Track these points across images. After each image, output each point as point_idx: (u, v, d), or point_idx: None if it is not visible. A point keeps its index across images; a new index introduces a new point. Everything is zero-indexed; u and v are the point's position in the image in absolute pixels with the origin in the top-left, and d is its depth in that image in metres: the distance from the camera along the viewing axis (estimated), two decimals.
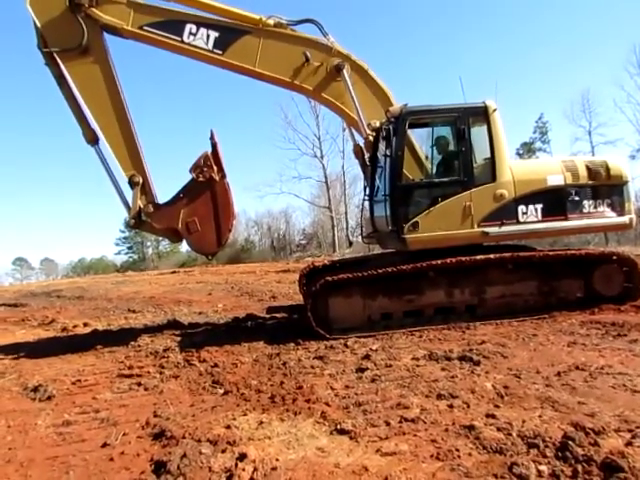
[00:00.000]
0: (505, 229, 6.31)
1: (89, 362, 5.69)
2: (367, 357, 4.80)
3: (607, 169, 6.56)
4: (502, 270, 6.21)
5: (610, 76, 58.73)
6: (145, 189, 6.47)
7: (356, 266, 6.62)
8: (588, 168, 6.53)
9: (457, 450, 2.71)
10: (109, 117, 6.38)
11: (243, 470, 2.59)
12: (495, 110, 6.40)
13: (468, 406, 3.36)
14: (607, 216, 6.58)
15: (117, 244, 61.65)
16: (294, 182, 41.99)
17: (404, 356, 4.79)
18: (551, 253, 6.41)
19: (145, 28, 6.50)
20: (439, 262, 5.95)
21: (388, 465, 2.61)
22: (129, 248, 62.00)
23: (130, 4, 6.49)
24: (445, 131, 6.90)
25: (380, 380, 4.06)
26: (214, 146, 6.32)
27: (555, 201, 6.43)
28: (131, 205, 6.43)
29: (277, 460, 2.72)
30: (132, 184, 6.40)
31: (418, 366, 4.42)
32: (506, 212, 6.30)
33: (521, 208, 6.34)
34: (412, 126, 6.66)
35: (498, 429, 2.92)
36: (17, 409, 4.20)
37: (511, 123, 59.80)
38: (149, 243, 61.44)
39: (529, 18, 62.23)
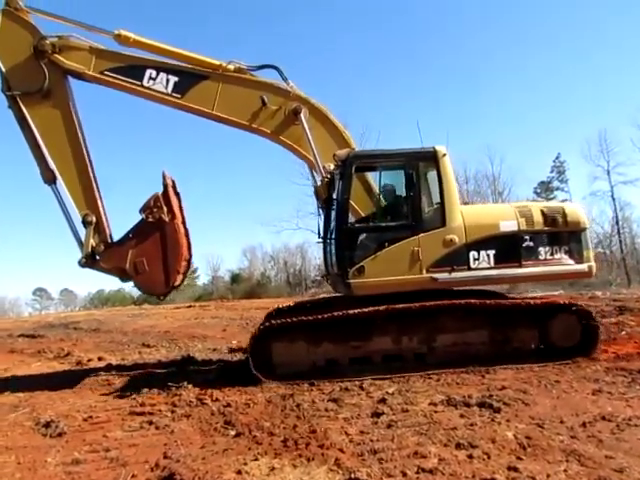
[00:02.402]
0: (455, 275, 6.14)
1: (102, 398, 5.67)
2: (383, 401, 4.66)
3: (564, 215, 6.40)
4: (453, 317, 6.00)
5: (627, 116, 58.69)
6: (99, 229, 6.57)
7: (323, 308, 6.37)
8: (544, 214, 6.38)
9: None
10: (66, 158, 6.59)
11: None
12: (445, 155, 6.38)
13: (488, 457, 3.21)
14: (565, 263, 6.37)
15: None
16: (311, 218, 42.29)
17: (421, 401, 4.65)
18: (504, 301, 6.17)
19: (106, 73, 6.72)
20: (382, 308, 5.78)
21: None
22: None
23: (92, 51, 6.75)
24: (394, 175, 6.88)
25: (396, 426, 3.93)
26: (165, 187, 6.45)
27: (508, 247, 6.26)
28: (84, 244, 6.52)
29: None
30: (85, 223, 6.51)
31: (436, 412, 4.28)
32: (456, 258, 6.15)
33: (472, 254, 6.18)
34: (359, 170, 6.65)
35: None
36: (28, 445, 4.17)
37: (529, 161, 60.25)
38: None
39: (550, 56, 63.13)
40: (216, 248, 54.70)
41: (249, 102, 6.89)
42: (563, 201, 41.07)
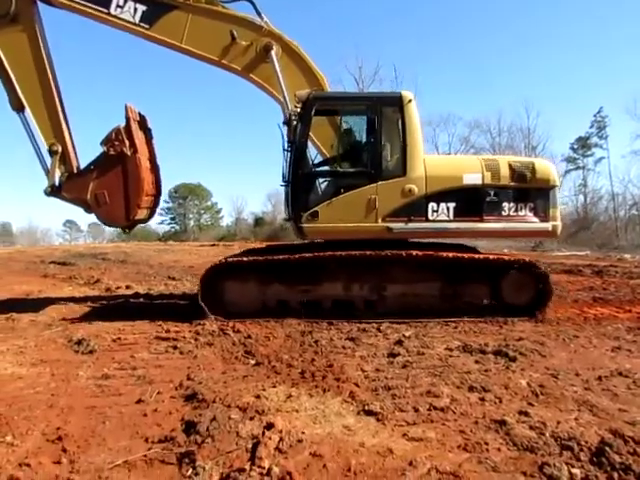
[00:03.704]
0: (412, 226, 5.99)
1: (129, 322, 5.91)
2: (400, 343, 4.75)
3: (533, 171, 6.10)
4: (403, 268, 5.91)
5: None
6: (65, 159, 6.57)
7: (290, 252, 6.25)
8: (511, 168, 6.10)
9: (486, 444, 2.64)
10: (33, 86, 6.51)
11: (269, 439, 2.63)
12: (411, 101, 6.09)
13: (500, 401, 3.27)
14: (529, 221, 6.13)
15: (160, 214, 63.36)
16: None
17: (437, 345, 4.72)
18: (454, 255, 5.90)
19: None
20: (326, 254, 5.75)
21: (414, 450, 2.59)
22: (172, 219, 63.74)
23: None
24: (355, 120, 6.65)
25: (411, 367, 4.01)
26: (128, 121, 6.35)
27: (470, 201, 6.03)
28: (49, 173, 6.56)
29: (303, 433, 2.75)
30: (51, 152, 6.52)
31: (451, 356, 4.34)
32: (414, 209, 5.98)
33: (432, 205, 5.99)
34: (320, 113, 6.38)
35: (531, 427, 2.83)
36: (61, 359, 4.43)
37: (568, 118, 57.42)
38: (191, 215, 63.02)
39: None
40: (242, 190, 55.08)
41: (219, 36, 6.57)
42: (600, 159, 39.59)
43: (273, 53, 6.50)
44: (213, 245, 26.99)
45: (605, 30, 58.98)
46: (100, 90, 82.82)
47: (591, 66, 59.41)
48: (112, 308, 7.05)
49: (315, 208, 6.00)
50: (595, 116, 41.10)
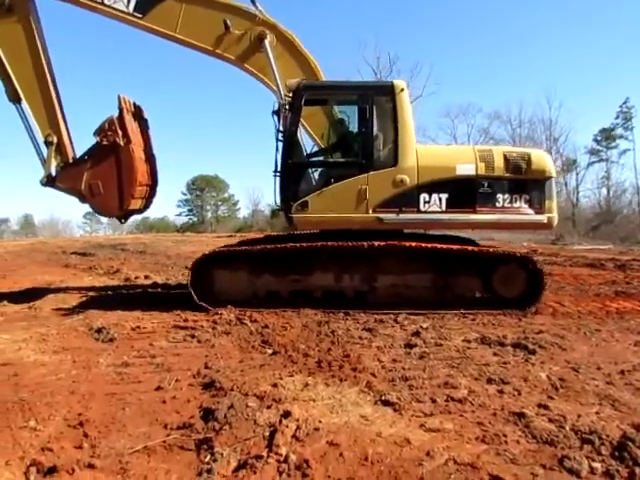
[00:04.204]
0: (403, 217, 5.92)
1: (148, 311, 5.99)
2: (417, 334, 4.72)
3: (528, 162, 5.94)
4: (394, 259, 5.84)
5: None
6: (60, 149, 6.63)
7: (285, 242, 6.25)
8: (506, 159, 5.94)
9: (504, 436, 2.61)
10: (29, 77, 6.57)
11: (286, 427, 2.64)
12: (403, 90, 5.98)
13: (519, 393, 3.23)
14: (523, 213, 5.98)
15: (178, 206, 64.10)
16: None
17: (455, 337, 4.67)
18: (444, 247, 5.80)
19: None
20: (315, 244, 5.73)
21: (431, 441, 2.57)
22: (189, 211, 64.32)
23: None
24: (346, 109, 6.62)
25: (429, 358, 3.99)
26: (121, 111, 6.36)
27: (463, 192, 5.92)
28: (45, 163, 6.64)
29: (320, 422, 2.75)
30: (47, 143, 6.60)
31: (469, 348, 4.29)
32: (406, 199, 5.89)
33: (424, 196, 5.89)
34: (310, 102, 6.30)
35: (550, 420, 2.79)
36: (82, 347, 4.51)
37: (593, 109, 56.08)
38: (208, 207, 63.49)
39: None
40: (258, 182, 55.24)
41: (212, 25, 6.54)
42: (625, 151, 38.61)
43: (267, 42, 6.47)
44: (230, 236, 27.08)
45: (629, 22, 57.13)
46: (99, 81, 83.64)
47: (616, 57, 57.74)
48: (131, 297, 7.15)
49: (305, 198, 5.97)
50: (621, 107, 39.99)
